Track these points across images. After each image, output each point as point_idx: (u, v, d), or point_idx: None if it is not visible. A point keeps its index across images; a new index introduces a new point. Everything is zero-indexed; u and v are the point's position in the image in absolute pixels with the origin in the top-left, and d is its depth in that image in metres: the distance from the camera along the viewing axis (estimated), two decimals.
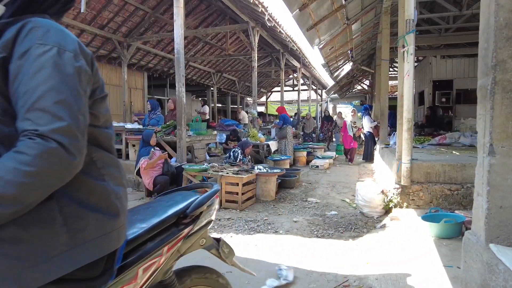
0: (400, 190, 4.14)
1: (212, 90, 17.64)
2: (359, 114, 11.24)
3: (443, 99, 13.12)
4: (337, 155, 11.24)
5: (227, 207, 4.66)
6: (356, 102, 24.07)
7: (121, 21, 10.08)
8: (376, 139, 10.00)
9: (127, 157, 6.47)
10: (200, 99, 16.83)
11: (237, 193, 4.59)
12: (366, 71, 15.43)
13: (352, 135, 9.71)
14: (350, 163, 9.69)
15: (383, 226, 3.77)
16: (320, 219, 4.21)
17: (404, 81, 4.02)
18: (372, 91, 16.86)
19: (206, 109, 12.28)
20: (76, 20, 8.92)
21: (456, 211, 3.67)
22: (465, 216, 3.15)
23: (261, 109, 27.15)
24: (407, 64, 3.96)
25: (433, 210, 3.45)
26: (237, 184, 4.57)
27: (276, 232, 3.70)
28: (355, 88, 21.78)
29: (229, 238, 3.56)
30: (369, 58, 14.72)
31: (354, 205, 4.83)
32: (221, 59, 15.69)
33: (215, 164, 5.14)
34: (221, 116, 23.12)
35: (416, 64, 16.74)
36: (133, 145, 6.29)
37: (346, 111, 16.83)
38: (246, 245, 3.32)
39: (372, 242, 3.32)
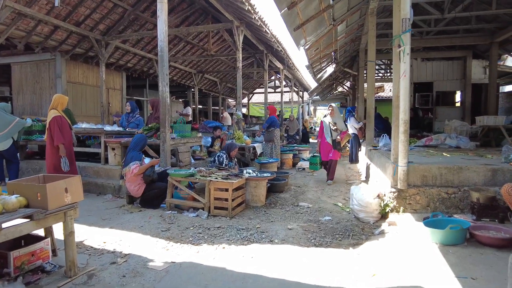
0: (396, 194, 4.03)
1: (193, 91, 17.25)
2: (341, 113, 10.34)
3: (421, 101, 13.36)
4: (312, 170, 7.96)
5: (216, 215, 4.39)
6: (337, 103, 24.28)
7: (99, 18, 9.61)
8: (361, 140, 9.99)
9: (106, 161, 6.08)
10: (181, 100, 16.38)
11: (226, 199, 4.34)
12: (348, 73, 15.52)
13: (331, 142, 6.64)
14: (330, 182, 6.67)
15: (382, 233, 3.63)
16: (315, 226, 4.02)
17: (400, 82, 3.90)
18: (353, 92, 17.01)
19: (189, 110, 11.93)
20: (49, 15, 8.40)
21: (455, 215, 3.58)
22: (469, 222, 3.04)
23: (243, 110, 26.93)
24: (404, 64, 3.84)
25: (434, 215, 3.33)
26: (227, 190, 4.32)
27: (271, 241, 3.48)
28: (337, 90, 21.94)
29: (222, 249, 3.31)
30: (352, 60, 14.80)
31: (348, 209, 4.69)
32: (203, 59, 15.36)
33: (202, 169, 4.87)
34: (202, 117, 22.73)
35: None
36: (113, 149, 5.91)
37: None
38: (242, 257, 3.08)
39: (373, 250, 3.16)
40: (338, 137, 6.63)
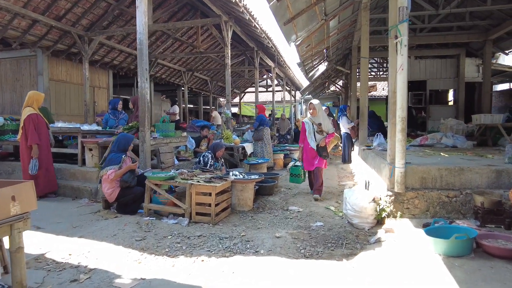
0: (393, 197, 3.71)
1: (183, 90, 16.81)
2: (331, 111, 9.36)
3: (414, 100, 13.16)
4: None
5: (198, 221, 4.03)
6: (329, 103, 24.07)
7: (81, 13, 9.16)
8: (354, 140, 9.71)
9: (83, 162, 5.66)
10: (163, 97, 15.92)
11: (209, 204, 3.98)
12: (340, 71, 15.25)
13: (316, 147, 5.37)
14: (317, 197, 5.26)
15: (378, 241, 3.31)
16: (306, 233, 3.69)
17: (397, 76, 3.59)
18: (346, 91, 16.76)
19: (176, 109, 11.53)
20: (26, 8, 7.93)
21: (457, 221, 3.28)
22: (476, 230, 2.73)
23: (234, 110, 26.57)
24: (401, 57, 3.53)
25: (436, 222, 3.01)
26: (210, 194, 3.96)
27: (256, 252, 3.13)
28: (329, 89, 21.70)
29: (200, 262, 2.96)
30: (344, 58, 14.53)
31: (340, 213, 4.37)
32: (192, 57, 14.95)
33: (184, 171, 4.50)
34: (193, 117, 22.30)
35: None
36: (90, 149, 5.50)
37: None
38: (222, 272, 2.73)
39: (369, 262, 2.83)
40: (326, 140, 5.30)
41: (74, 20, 9.23)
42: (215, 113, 15.85)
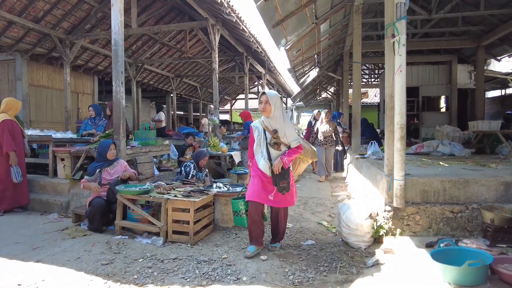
0: (392, 213, 3.35)
1: (172, 96, 16.39)
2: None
3: (406, 106, 12.95)
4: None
5: (175, 241, 3.60)
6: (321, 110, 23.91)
7: (62, 15, 8.74)
8: (346, 147, 9.40)
9: (55, 173, 5.20)
10: (152, 103, 15.48)
11: (188, 222, 3.56)
12: (332, 78, 15.03)
13: (271, 172, 3.23)
14: (274, 245, 3.49)
15: (376, 263, 2.92)
16: (295, 254, 3.29)
17: (395, 78, 3.25)
18: (337, 98, 16.52)
19: (162, 116, 11.08)
20: (0, 8, 7.48)
21: (464, 240, 2.91)
22: (490, 254, 2.37)
23: (225, 117, 26.18)
24: (399, 57, 3.20)
25: (442, 244, 2.65)
26: (188, 210, 3.55)
27: (237, 280, 2.72)
28: (320, 96, 21.50)
29: None
30: (336, 65, 14.32)
31: (334, 229, 3.99)
32: (181, 63, 14.58)
33: (162, 183, 4.08)
34: (183, 124, 21.85)
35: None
36: (62, 159, 5.04)
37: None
38: None
39: None
40: (285, 159, 3.14)
41: (54, 23, 8.79)
42: (204, 120, 15.43)
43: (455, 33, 10.30)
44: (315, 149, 3.36)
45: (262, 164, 3.25)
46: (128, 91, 13.53)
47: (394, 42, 3.23)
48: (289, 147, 3.27)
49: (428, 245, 2.94)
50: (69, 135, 5.59)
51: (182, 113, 23.54)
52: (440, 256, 2.43)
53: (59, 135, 5.39)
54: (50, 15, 8.49)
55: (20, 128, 5.17)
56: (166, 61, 13.13)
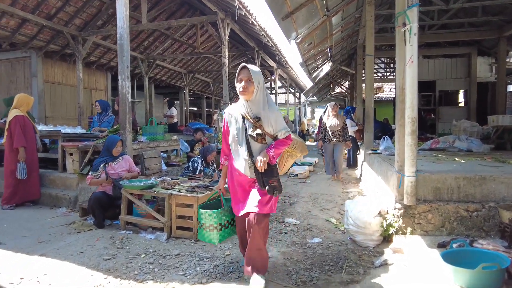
0: (402, 211, 3.20)
1: (185, 92, 16.42)
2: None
3: (422, 101, 12.59)
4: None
5: (178, 236, 3.56)
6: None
7: (74, 12, 8.82)
8: (359, 143, 9.19)
9: (64, 168, 5.24)
10: (166, 99, 15.56)
11: (191, 218, 3.50)
12: (346, 72, 14.73)
13: (248, 169, 2.51)
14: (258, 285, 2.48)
15: (385, 264, 2.79)
16: (300, 252, 3.19)
17: (406, 70, 3.09)
18: (351, 93, 16.21)
19: (174, 111, 11.10)
20: (14, 6, 7.59)
21: (480, 240, 2.74)
22: (507, 256, 2.21)
23: None
24: (410, 48, 3.03)
25: (455, 244, 2.49)
26: (192, 206, 3.49)
27: (239, 278, 2.64)
28: (334, 90, 21.15)
29: None
30: (349, 58, 14.01)
31: (342, 227, 3.86)
32: (193, 58, 14.58)
33: (167, 178, 4.04)
34: (192, 119, 21.92)
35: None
36: (71, 154, 5.08)
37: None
38: None
39: None
40: (272, 152, 2.46)
41: (66, 20, 8.89)
42: (216, 116, 15.42)
43: (474, 24, 9.87)
44: (303, 141, 2.82)
45: (239, 163, 2.51)
46: (141, 87, 13.66)
47: (405, 31, 3.07)
48: (275, 139, 2.53)
49: (441, 245, 2.79)
50: (78, 130, 5.62)
51: (195, 109, 23.63)
52: (452, 258, 2.29)
53: (68, 130, 5.43)
54: (62, 12, 8.57)
55: (32, 123, 5.24)
56: (177, 56, 13.13)
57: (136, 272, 2.77)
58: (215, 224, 2.71)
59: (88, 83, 11.42)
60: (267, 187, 2.39)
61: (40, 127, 5.53)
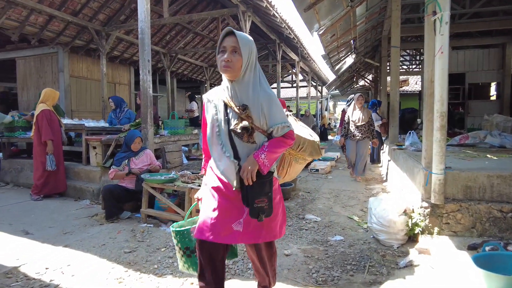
0: (429, 210, 3.05)
1: (206, 86, 16.51)
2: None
3: (450, 95, 12.05)
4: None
5: None
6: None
7: (98, 7, 8.98)
8: (383, 137, 8.93)
9: (88, 161, 5.37)
10: (187, 94, 15.68)
11: None
12: (370, 64, 14.31)
13: (235, 181, 1.76)
14: None
15: (410, 265, 2.67)
16: (321, 249, 3.11)
17: (436, 61, 2.91)
18: (376, 86, 15.76)
19: (194, 105, 11.17)
20: (42, 3, 7.80)
21: None
22: None
23: None
24: (441, 37, 2.85)
25: (488, 247, 2.34)
26: None
27: None
28: (358, 83, 20.64)
29: (189, 285, 2.48)
30: (373, 50, 13.60)
31: (365, 225, 3.74)
32: (214, 52, 14.57)
33: (188, 172, 4.04)
34: None
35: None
36: (94, 147, 5.19)
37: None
38: None
39: None
40: (263, 157, 1.72)
41: (90, 15, 9.07)
42: None
43: (510, 12, 9.30)
44: (316, 139, 2.18)
45: (224, 166, 1.79)
46: (163, 81, 13.82)
47: (435, 20, 2.89)
48: (269, 137, 1.82)
49: (471, 248, 2.65)
50: (102, 124, 5.73)
51: None
52: (484, 262, 2.15)
53: (92, 124, 5.55)
54: (87, 7, 8.74)
55: (57, 117, 5.39)
56: (199, 50, 13.17)
57: (155, 266, 2.79)
58: (181, 246, 2.02)
59: (112, 77, 11.66)
60: (251, 208, 1.70)
61: (65, 121, 5.68)
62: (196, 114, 11.51)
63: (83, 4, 8.58)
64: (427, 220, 3.06)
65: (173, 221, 3.74)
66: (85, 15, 8.97)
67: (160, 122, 6.02)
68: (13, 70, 10.61)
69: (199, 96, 17.36)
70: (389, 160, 6.75)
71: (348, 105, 6.52)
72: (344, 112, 6.57)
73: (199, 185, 3.65)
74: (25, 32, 8.46)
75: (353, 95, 6.59)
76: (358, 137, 6.23)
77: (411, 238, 3.14)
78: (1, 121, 5.92)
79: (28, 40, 9.07)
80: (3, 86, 13.14)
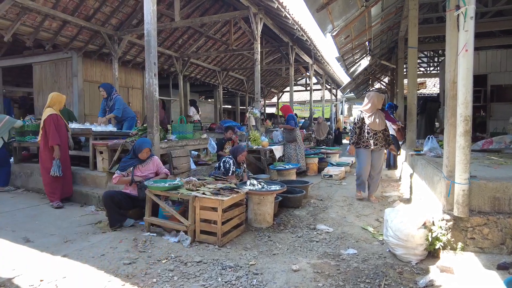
0: (452, 223, 2.78)
1: (219, 90, 16.45)
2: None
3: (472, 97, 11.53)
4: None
5: (202, 241, 3.38)
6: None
7: (110, 12, 9.01)
8: (400, 143, 8.58)
9: (95, 166, 5.29)
10: (200, 98, 15.62)
11: (215, 222, 3.31)
12: (386, 66, 13.93)
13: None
14: None
15: (431, 285, 2.41)
16: (333, 264, 2.88)
17: (459, 60, 2.66)
18: (392, 89, 15.34)
19: (191, 111, 11.07)
20: (56, 9, 7.86)
21: None
22: None
23: (272, 110, 25.86)
24: (465, 34, 2.60)
25: None
26: (217, 209, 3.29)
27: None
28: (373, 86, 20.19)
29: None
30: (389, 52, 13.22)
31: (381, 237, 3.49)
32: (227, 56, 14.51)
33: (193, 179, 3.87)
34: (231, 118, 21.98)
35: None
36: (101, 152, 5.10)
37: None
38: None
39: None
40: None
41: (103, 20, 9.11)
42: (248, 114, 15.27)
43: None
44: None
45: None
46: (176, 86, 13.80)
47: (458, 15, 2.64)
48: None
49: (501, 267, 2.37)
50: (110, 128, 5.65)
51: (229, 106, 23.71)
52: None
53: (99, 128, 5.47)
54: (99, 12, 8.79)
55: (64, 122, 5.33)
56: (211, 54, 13.09)
57: (154, 280, 2.62)
58: None
59: (125, 81, 11.69)
60: None
61: (73, 125, 5.63)
62: (193, 119, 11.38)
63: (96, 9, 8.62)
64: (449, 234, 2.79)
65: (177, 231, 3.58)
66: (98, 20, 9.02)
67: (169, 127, 5.90)
68: (31, 76, 10.78)
69: (212, 99, 17.31)
70: (406, 167, 6.40)
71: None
72: (361, 118, 5.07)
73: (204, 193, 3.48)
74: (40, 37, 8.54)
75: (370, 93, 5.16)
76: (373, 147, 4.99)
77: (431, 254, 2.87)
78: (12, 125, 5.92)
79: (43, 46, 9.18)
80: (22, 91, 13.40)
